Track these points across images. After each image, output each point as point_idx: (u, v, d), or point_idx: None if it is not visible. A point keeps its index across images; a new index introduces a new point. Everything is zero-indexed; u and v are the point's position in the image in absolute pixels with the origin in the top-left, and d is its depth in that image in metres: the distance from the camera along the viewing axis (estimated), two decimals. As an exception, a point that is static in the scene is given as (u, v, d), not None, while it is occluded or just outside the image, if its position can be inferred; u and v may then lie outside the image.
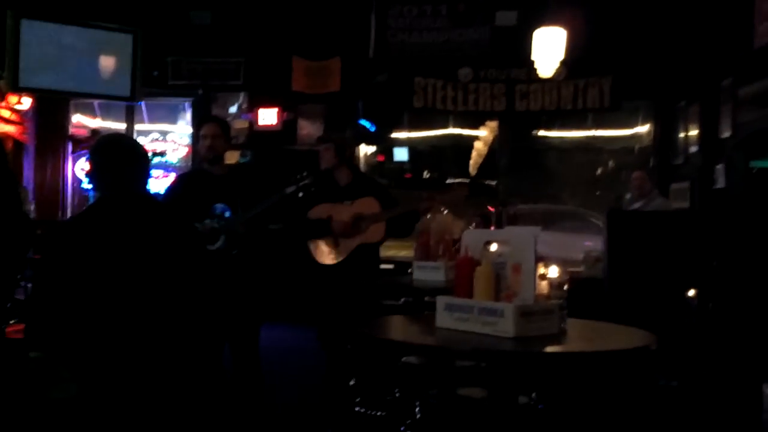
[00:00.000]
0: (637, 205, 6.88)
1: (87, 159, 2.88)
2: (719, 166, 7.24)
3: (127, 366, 2.41)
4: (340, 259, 4.61)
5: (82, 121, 9.87)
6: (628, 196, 8.97)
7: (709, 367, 3.83)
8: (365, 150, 10.52)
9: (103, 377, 2.38)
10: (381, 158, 11.33)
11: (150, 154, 9.70)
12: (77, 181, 9.40)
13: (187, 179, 4.60)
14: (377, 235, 4.60)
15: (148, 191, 2.79)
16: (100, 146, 2.73)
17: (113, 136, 3.03)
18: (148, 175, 2.77)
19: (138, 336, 2.44)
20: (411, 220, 4.66)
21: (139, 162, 2.72)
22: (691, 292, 4.22)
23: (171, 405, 2.45)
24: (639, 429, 3.62)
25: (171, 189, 4.50)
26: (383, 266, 5.51)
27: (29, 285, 5.94)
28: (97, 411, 2.34)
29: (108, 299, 2.44)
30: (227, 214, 4.18)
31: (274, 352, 5.36)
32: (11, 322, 4.41)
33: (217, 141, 4.28)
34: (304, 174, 4.38)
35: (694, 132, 7.94)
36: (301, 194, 4.43)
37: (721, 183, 7.16)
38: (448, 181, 10.63)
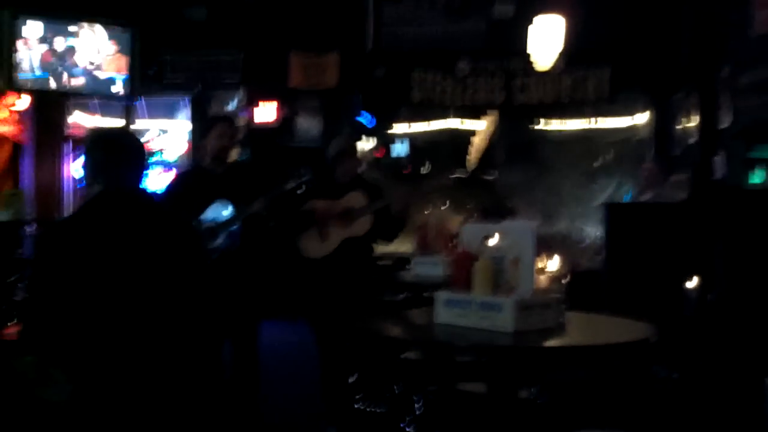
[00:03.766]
0: (646, 197, 6.85)
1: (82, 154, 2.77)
2: (718, 157, 7.22)
3: (124, 367, 2.39)
4: (325, 252, 4.59)
5: (80, 120, 9.84)
6: (626, 186, 8.96)
7: (709, 359, 3.83)
8: (364, 145, 10.49)
9: (100, 378, 2.36)
10: (380, 153, 11.30)
11: (148, 152, 9.65)
12: (76, 180, 9.39)
13: (187, 177, 4.61)
14: (363, 227, 4.58)
15: (143, 188, 2.72)
16: (93, 141, 2.67)
17: (106, 131, 2.95)
18: (143, 171, 2.69)
19: (134, 336, 2.41)
20: (392, 221, 4.60)
21: (132, 157, 2.62)
22: (691, 284, 4.21)
23: (169, 405, 2.43)
24: (640, 422, 3.62)
25: (171, 187, 4.51)
26: (382, 263, 5.50)
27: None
28: (92, 412, 2.32)
29: (102, 299, 2.40)
30: (226, 211, 4.19)
31: (272, 349, 5.36)
32: (8, 323, 4.42)
33: (230, 141, 4.34)
34: (305, 169, 4.39)
35: (692, 122, 7.92)
36: (300, 190, 4.45)
37: (720, 173, 7.15)
38: (453, 175, 10.57)
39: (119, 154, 2.59)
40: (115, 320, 2.40)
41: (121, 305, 2.41)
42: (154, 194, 4.01)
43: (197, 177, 4.43)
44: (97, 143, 2.64)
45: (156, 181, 9.59)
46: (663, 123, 8.85)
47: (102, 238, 2.46)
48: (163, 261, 2.52)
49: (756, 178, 7.00)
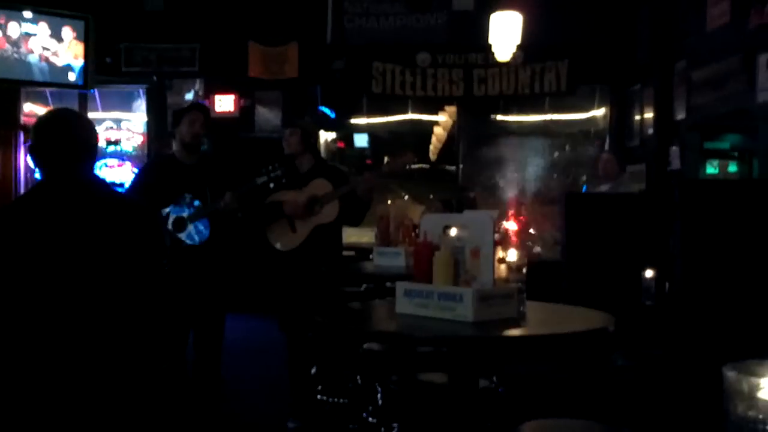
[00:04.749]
0: (604, 188, 6.92)
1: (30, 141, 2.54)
2: (674, 148, 7.34)
3: (63, 362, 2.22)
4: (297, 243, 4.58)
5: (33, 110, 9.64)
6: (583, 177, 9.06)
7: (667, 348, 3.89)
8: (326, 137, 10.46)
9: (41, 375, 2.21)
10: (341, 145, 11.28)
11: (105, 142, 9.46)
12: (30, 171, 9.21)
13: (157, 166, 4.53)
14: (331, 214, 4.57)
15: (93, 175, 2.47)
16: (38, 124, 2.42)
17: (53, 113, 2.53)
18: (90, 157, 2.42)
19: (70, 331, 2.23)
20: (358, 204, 4.62)
21: (74, 142, 2.36)
22: (648, 273, 4.27)
23: (117, 401, 2.29)
24: (599, 410, 3.66)
25: (140, 176, 4.43)
26: (345, 253, 5.49)
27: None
28: (35, 410, 2.19)
29: (36, 298, 2.22)
30: (196, 203, 4.16)
31: (236, 342, 5.33)
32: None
33: (203, 128, 4.28)
34: (276, 165, 4.37)
35: (649, 115, 8.04)
36: (272, 185, 4.44)
37: (676, 165, 7.27)
38: (411, 167, 10.59)
39: (60, 139, 2.35)
40: (51, 314, 2.22)
41: (56, 304, 2.22)
42: (108, 183, 3.91)
43: (168, 166, 4.35)
44: (37, 128, 2.40)
45: (112, 173, 9.45)
46: (620, 115, 8.97)
47: (35, 229, 2.26)
48: (102, 253, 2.29)
49: (711, 169, 7.12)
